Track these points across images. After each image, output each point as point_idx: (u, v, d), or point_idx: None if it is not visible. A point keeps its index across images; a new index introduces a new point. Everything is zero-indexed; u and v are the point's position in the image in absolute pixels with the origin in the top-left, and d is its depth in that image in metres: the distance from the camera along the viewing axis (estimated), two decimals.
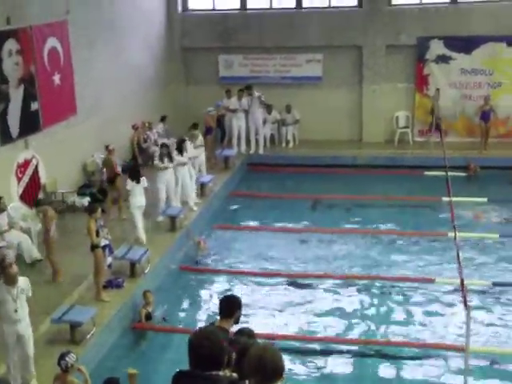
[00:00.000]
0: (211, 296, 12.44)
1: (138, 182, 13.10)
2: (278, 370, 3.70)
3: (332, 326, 11.15)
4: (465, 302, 8.46)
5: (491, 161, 18.21)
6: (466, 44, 19.48)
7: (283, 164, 19.29)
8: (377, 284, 12.51)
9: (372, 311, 11.61)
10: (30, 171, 13.85)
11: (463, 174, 17.57)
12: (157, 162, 14.43)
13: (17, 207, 13.04)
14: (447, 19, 19.49)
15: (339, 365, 10.10)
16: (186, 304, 12.18)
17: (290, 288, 12.53)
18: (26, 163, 13.76)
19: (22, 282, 8.62)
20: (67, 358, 7.86)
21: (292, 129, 20.39)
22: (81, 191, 15.21)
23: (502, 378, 9.66)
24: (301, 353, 10.35)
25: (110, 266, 11.90)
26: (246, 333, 5.01)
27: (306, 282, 12.72)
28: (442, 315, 11.39)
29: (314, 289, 12.45)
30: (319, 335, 10.85)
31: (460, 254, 9.54)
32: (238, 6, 20.94)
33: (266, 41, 20.49)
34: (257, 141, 19.75)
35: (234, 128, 19.39)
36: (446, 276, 12.41)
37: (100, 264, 10.94)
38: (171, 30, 20.97)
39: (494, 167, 17.85)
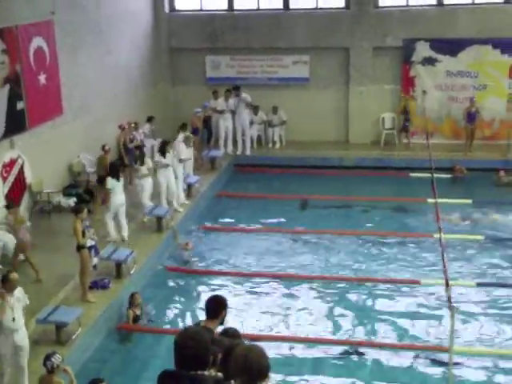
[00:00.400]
0: (197, 297, 12.43)
1: (118, 179, 13.10)
2: (264, 370, 3.70)
3: (318, 327, 11.18)
4: (449, 303, 8.52)
5: (476, 163, 18.30)
6: (452, 46, 19.58)
7: (270, 165, 19.31)
8: (363, 285, 12.55)
9: (358, 312, 11.62)
10: (15, 171, 13.77)
11: (449, 176, 17.66)
12: (137, 166, 14.44)
13: (0, 207, 12.96)
14: (433, 22, 19.62)
15: (325, 365, 10.13)
16: (172, 305, 12.15)
17: (277, 289, 12.55)
18: (12, 163, 13.69)
19: (17, 291, 8.61)
20: (53, 359, 7.85)
21: (279, 130, 20.42)
22: (67, 191, 15.17)
23: (487, 378, 9.72)
24: (286, 353, 10.38)
25: (95, 266, 11.87)
26: (231, 333, 5.00)
27: (293, 282, 12.74)
28: (427, 316, 11.44)
29: (301, 290, 12.48)
30: (304, 336, 10.87)
31: (445, 256, 9.61)
32: (225, 6, 20.94)
33: (253, 42, 20.51)
34: (244, 142, 19.76)
35: (220, 129, 19.38)
36: (431, 277, 12.48)
37: (86, 265, 10.91)
38: (158, 31, 20.93)
39: (479, 169, 17.95)
